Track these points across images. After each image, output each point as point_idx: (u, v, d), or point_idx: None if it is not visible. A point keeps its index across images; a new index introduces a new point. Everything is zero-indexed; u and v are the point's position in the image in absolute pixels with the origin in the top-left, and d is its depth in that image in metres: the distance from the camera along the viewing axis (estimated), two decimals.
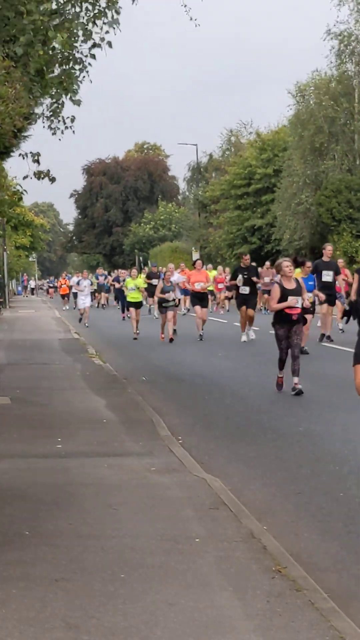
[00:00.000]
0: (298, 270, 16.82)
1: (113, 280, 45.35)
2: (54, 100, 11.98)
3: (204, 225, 59.18)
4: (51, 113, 12.07)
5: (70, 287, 45.14)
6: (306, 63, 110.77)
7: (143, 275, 32.27)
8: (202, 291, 22.54)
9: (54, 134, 12.20)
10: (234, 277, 21.15)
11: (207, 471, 7.86)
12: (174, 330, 22.46)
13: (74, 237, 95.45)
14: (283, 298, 12.59)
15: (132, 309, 23.90)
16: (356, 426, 9.88)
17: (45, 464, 8.13)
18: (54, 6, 10.92)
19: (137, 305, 23.81)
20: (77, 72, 11.62)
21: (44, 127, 12.24)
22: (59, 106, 12.00)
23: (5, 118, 9.55)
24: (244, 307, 20.68)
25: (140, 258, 71.76)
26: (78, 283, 31.28)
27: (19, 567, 5.26)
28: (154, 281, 29.77)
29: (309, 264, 18.08)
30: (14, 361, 17.69)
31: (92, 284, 34.26)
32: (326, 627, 4.36)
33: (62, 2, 10.90)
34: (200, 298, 22.47)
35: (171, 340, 21.88)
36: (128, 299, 24.45)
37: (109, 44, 11.36)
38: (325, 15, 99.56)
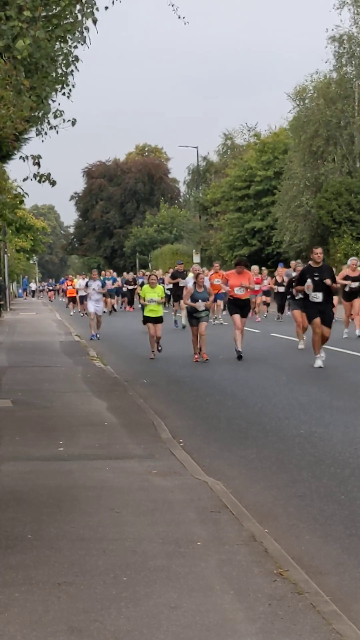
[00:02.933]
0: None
1: (124, 284, 43.18)
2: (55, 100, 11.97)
3: (205, 227, 59.20)
4: (56, 112, 12.08)
5: (77, 290, 40.60)
6: (309, 66, 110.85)
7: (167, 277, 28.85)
8: (243, 297, 18.13)
9: (57, 132, 12.26)
10: (301, 281, 16.12)
11: (209, 474, 7.88)
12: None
13: (74, 240, 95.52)
14: None
15: (149, 325, 19.15)
16: (357, 428, 9.89)
17: (47, 467, 8.14)
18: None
19: (157, 320, 19.16)
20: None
21: (51, 128, 12.23)
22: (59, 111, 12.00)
23: (6, 121, 9.54)
24: (317, 320, 15.70)
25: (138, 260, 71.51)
26: (87, 285, 26.32)
27: (22, 570, 5.28)
28: (181, 282, 26.41)
29: None
30: (15, 364, 17.70)
31: (104, 285, 28.17)
32: (328, 631, 4.37)
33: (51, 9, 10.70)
34: (241, 306, 18.12)
35: (203, 355, 17.90)
36: (145, 313, 19.57)
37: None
38: (326, 18, 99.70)
